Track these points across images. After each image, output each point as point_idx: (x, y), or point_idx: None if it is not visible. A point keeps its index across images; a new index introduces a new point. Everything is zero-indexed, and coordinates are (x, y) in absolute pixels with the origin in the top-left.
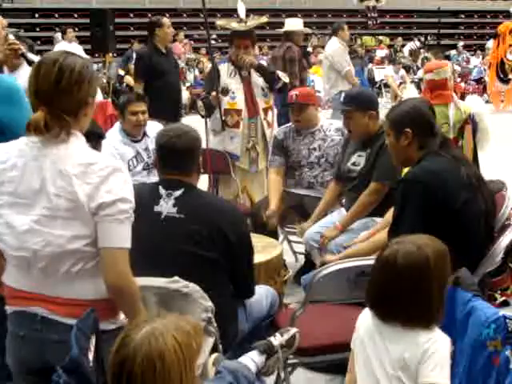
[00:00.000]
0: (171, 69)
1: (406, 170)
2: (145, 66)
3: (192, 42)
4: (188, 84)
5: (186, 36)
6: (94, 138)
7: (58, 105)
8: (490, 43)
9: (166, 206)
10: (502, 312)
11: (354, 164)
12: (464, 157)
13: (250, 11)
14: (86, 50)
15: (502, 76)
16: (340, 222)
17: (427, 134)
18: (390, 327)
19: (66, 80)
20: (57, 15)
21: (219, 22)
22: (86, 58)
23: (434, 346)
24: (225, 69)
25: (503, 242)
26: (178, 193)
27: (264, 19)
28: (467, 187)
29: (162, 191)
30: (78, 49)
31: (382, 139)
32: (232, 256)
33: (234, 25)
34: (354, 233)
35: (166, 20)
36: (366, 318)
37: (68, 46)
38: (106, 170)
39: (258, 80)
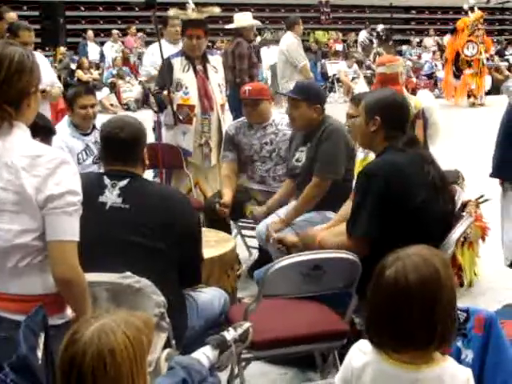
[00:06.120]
0: None
1: (358, 161)
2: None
3: (145, 36)
4: (140, 78)
5: (139, 30)
6: (44, 133)
7: None
8: (445, 40)
9: (111, 197)
10: None
11: (297, 160)
12: (431, 157)
13: (202, 5)
14: (35, 44)
15: (455, 71)
16: (285, 216)
17: (395, 127)
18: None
19: (5, 70)
20: (5, 7)
21: (171, 13)
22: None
23: None
24: (178, 63)
25: (455, 234)
26: (122, 183)
27: (217, 9)
28: (429, 186)
29: (107, 181)
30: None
31: (321, 131)
32: (180, 246)
33: (187, 13)
34: (297, 227)
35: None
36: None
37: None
38: (53, 162)
39: (214, 76)
